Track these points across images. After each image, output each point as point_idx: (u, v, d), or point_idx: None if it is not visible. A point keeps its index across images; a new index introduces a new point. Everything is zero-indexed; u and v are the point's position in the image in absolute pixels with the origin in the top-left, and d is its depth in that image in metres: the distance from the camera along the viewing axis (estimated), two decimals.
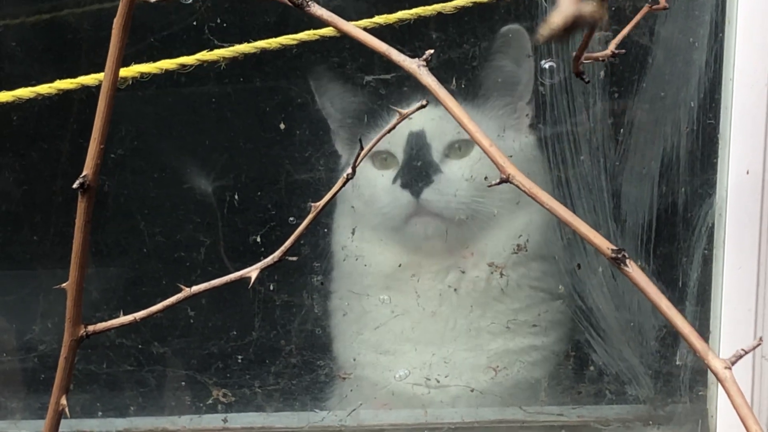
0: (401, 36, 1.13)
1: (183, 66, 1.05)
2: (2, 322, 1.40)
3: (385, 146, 1.31)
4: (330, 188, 0.71)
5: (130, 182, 1.37)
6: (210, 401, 1.36)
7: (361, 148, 0.71)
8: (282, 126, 1.33)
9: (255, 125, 1.37)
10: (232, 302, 1.37)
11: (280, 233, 1.34)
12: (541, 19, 1.27)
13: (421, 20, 1.08)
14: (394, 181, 1.29)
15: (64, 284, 0.66)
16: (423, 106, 0.70)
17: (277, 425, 1.35)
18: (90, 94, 1.05)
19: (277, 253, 0.69)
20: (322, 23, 0.66)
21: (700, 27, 1.23)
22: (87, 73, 1.06)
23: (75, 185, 0.63)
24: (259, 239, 1.34)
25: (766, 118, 1.18)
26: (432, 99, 0.66)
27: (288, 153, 1.34)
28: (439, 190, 1.28)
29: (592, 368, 1.32)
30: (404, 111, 0.71)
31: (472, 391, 1.34)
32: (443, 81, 0.63)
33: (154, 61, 1.05)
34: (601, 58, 0.69)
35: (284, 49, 1.08)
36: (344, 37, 0.68)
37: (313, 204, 0.70)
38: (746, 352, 0.57)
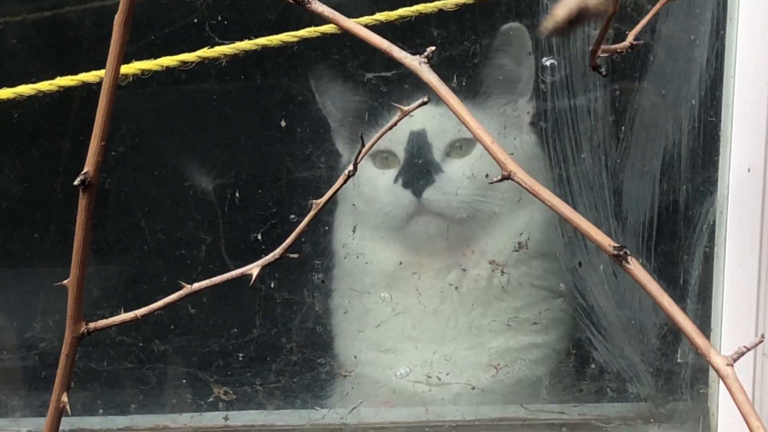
0: (402, 33, 1.13)
1: (184, 63, 1.05)
2: (3, 319, 1.40)
3: (386, 145, 1.31)
4: (331, 186, 0.70)
5: (130, 180, 1.37)
6: (211, 399, 1.36)
7: (363, 146, 0.71)
8: (283, 123, 1.33)
9: (256, 123, 1.37)
10: (233, 300, 1.37)
11: (281, 231, 1.33)
12: (542, 17, 1.26)
13: (422, 17, 1.08)
14: (396, 180, 1.29)
15: (65, 281, 0.66)
16: (424, 103, 0.70)
17: (278, 423, 1.35)
18: (91, 91, 1.05)
19: (279, 250, 0.69)
20: (323, 20, 0.66)
21: (701, 24, 1.23)
22: (88, 70, 1.06)
23: (76, 182, 0.63)
24: (260, 237, 1.33)
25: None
26: (433, 97, 0.66)
27: (289, 150, 1.34)
28: (440, 189, 1.28)
29: (593, 366, 1.32)
30: (406, 108, 0.71)
31: (473, 389, 1.33)
32: (444, 79, 0.63)
33: (155, 58, 1.05)
34: (619, 50, 0.68)
35: (285, 47, 1.08)
36: (345, 35, 0.68)
37: (314, 201, 0.70)
38: (748, 349, 0.57)
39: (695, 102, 1.25)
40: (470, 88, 1.30)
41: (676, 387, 1.31)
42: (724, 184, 1.23)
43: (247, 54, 1.08)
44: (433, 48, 0.64)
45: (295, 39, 1.07)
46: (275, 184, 1.34)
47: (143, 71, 1.05)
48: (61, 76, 1.07)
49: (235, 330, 1.36)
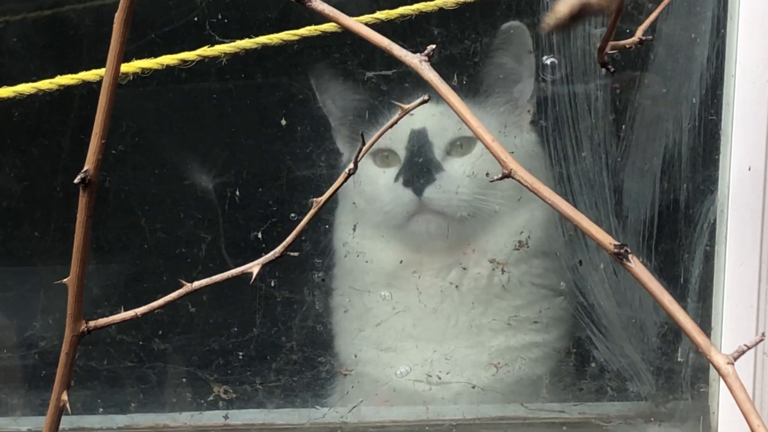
0: (402, 32, 1.13)
1: (184, 62, 1.05)
2: (3, 318, 1.40)
3: (387, 144, 1.31)
4: (331, 185, 0.70)
5: (131, 178, 1.37)
6: (211, 398, 1.36)
7: (363, 144, 0.71)
8: (283, 122, 1.32)
9: (256, 121, 1.37)
10: (233, 299, 1.37)
11: (281, 229, 1.33)
12: (542, 16, 1.26)
13: (422, 16, 1.08)
14: (396, 179, 1.29)
15: (65, 280, 0.66)
16: (425, 101, 0.70)
17: (278, 422, 1.35)
18: (91, 89, 1.05)
19: (279, 248, 0.69)
20: (323, 19, 0.66)
21: (701, 23, 1.23)
22: (88, 69, 1.06)
23: (76, 180, 0.63)
24: (260, 235, 1.33)
25: None
26: (433, 95, 0.66)
27: (289, 149, 1.34)
28: (441, 187, 1.28)
29: (593, 365, 1.32)
30: (406, 106, 0.71)
31: (473, 387, 1.33)
32: (444, 77, 0.63)
33: (156, 56, 1.05)
34: (628, 46, 0.68)
35: (285, 45, 1.08)
36: (346, 33, 0.67)
37: (315, 200, 0.70)
38: (749, 348, 0.57)
39: (696, 100, 1.25)
40: (471, 87, 1.30)
41: (676, 386, 1.31)
42: (724, 183, 1.23)
43: (248, 52, 1.08)
44: (434, 46, 0.64)
45: (296, 37, 1.07)
46: (275, 183, 1.34)
47: (143, 70, 1.05)
48: (61, 74, 1.07)
49: (235, 329, 1.36)
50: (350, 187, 1.33)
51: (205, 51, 1.05)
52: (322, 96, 1.34)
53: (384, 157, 1.32)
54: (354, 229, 1.34)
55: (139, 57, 1.06)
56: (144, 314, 0.67)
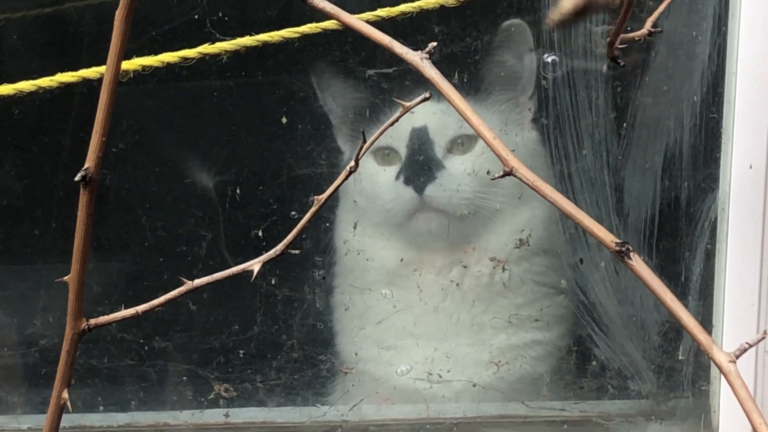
0: (403, 29, 1.13)
1: (185, 59, 1.05)
2: (3, 316, 1.40)
3: (388, 142, 1.31)
4: (332, 183, 0.70)
5: (131, 176, 1.37)
6: (212, 396, 1.36)
7: (364, 142, 0.71)
8: (284, 120, 1.32)
9: (257, 119, 1.36)
10: (233, 297, 1.37)
11: (282, 228, 1.33)
12: (543, 14, 1.26)
13: (423, 13, 1.08)
14: (397, 177, 1.29)
15: (65, 278, 0.66)
16: (426, 99, 0.70)
17: (279, 420, 1.35)
18: (91, 87, 1.05)
19: (280, 246, 0.69)
20: (324, 16, 0.66)
21: (703, 20, 1.23)
22: (88, 67, 1.06)
23: (77, 178, 0.63)
24: (260, 233, 1.33)
25: None
26: (434, 93, 0.66)
27: (290, 147, 1.33)
28: (442, 186, 1.28)
29: (594, 363, 1.32)
30: (407, 104, 0.71)
31: (474, 386, 1.33)
32: (445, 75, 0.62)
33: (156, 54, 1.05)
34: (637, 38, 0.67)
35: (286, 43, 1.08)
36: (346, 31, 0.67)
37: (315, 198, 0.70)
38: (750, 346, 0.57)
39: (697, 98, 1.25)
40: (471, 85, 1.30)
41: (677, 384, 1.31)
42: (725, 181, 1.23)
43: (248, 50, 1.07)
44: (435, 44, 0.64)
45: (297, 35, 1.07)
46: (276, 181, 1.34)
47: (144, 67, 1.05)
48: (61, 72, 1.07)
49: (236, 327, 1.36)
50: (351, 185, 1.32)
51: (206, 48, 1.05)
52: (323, 94, 1.34)
53: (385, 155, 1.32)
54: (355, 227, 1.34)
55: (140, 54, 1.05)
56: (145, 312, 0.67)
